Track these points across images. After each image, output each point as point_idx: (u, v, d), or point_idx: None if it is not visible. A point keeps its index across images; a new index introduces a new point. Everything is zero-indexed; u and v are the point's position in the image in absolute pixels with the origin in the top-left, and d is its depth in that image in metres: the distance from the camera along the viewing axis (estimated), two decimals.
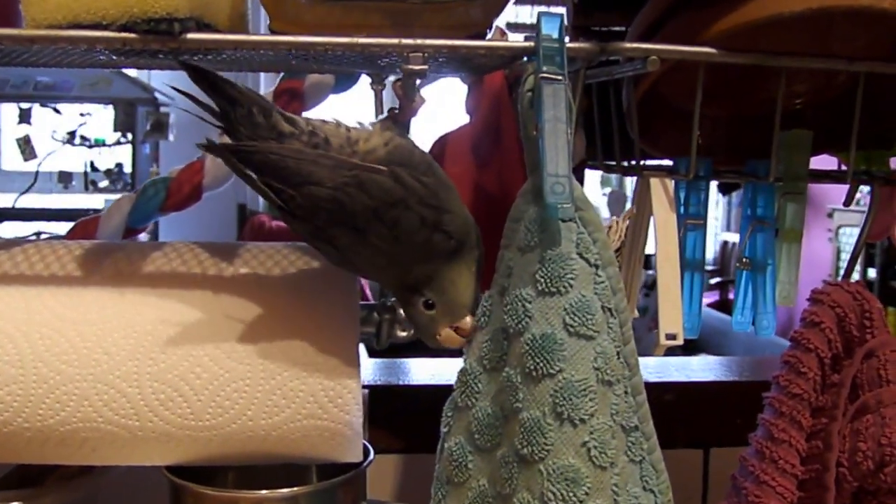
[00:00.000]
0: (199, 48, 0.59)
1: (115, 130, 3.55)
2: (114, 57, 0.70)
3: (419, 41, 0.61)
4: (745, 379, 1.05)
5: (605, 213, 5.09)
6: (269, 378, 0.68)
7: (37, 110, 3.58)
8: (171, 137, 3.63)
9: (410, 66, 0.61)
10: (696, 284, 0.71)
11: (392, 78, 0.72)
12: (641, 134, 0.75)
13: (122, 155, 3.67)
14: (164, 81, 3.83)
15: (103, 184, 3.71)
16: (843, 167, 0.82)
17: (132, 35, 0.59)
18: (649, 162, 0.78)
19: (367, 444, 0.74)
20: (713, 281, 4.81)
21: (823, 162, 0.81)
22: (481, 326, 0.63)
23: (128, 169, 3.65)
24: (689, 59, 0.65)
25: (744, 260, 0.73)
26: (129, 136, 3.57)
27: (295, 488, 0.68)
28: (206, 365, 0.68)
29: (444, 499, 0.64)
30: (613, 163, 0.78)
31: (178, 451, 0.69)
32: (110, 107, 3.55)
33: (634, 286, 0.74)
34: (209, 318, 0.69)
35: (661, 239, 0.68)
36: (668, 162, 0.77)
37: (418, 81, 0.64)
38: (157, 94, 3.60)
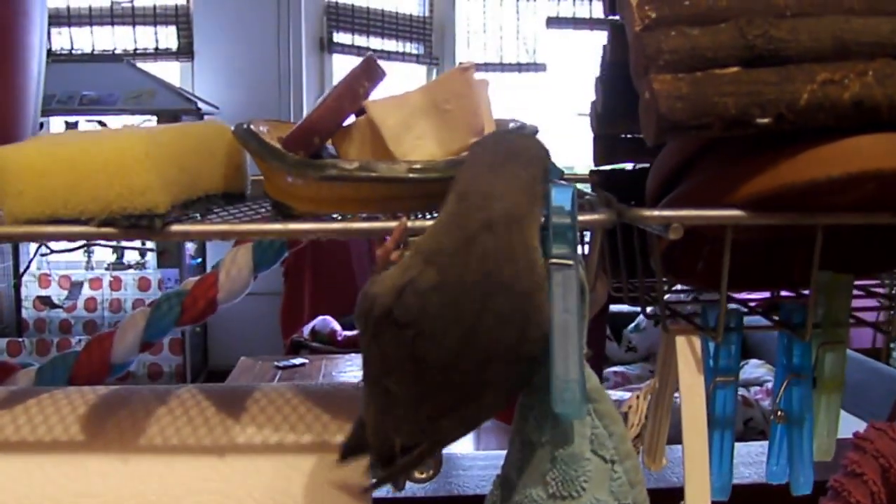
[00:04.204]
0: (185, 240, 0.56)
1: None
2: None
3: (419, 223, 0.57)
4: None
5: None
6: None
7: (83, 124, 3.60)
8: None
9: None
10: (727, 443, 0.67)
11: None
12: (668, 269, 0.70)
13: None
14: (207, 91, 3.84)
15: None
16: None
17: (113, 230, 0.55)
18: None
19: None
20: None
21: None
22: None
23: None
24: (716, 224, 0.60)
25: (779, 413, 0.68)
26: None
27: None
28: None
29: None
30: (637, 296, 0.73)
31: None
32: (154, 118, 3.56)
33: (662, 439, 0.69)
34: (213, 487, 0.66)
35: (686, 405, 0.63)
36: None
37: None
38: (200, 105, 3.60)
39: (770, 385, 3.02)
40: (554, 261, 0.55)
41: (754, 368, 3.15)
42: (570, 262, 0.55)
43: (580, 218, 0.58)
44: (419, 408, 0.54)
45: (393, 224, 0.56)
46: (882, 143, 0.57)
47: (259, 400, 0.72)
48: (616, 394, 3.05)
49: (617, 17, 0.70)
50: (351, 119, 0.63)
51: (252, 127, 0.63)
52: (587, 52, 3.95)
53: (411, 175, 0.56)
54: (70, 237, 0.56)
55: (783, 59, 0.59)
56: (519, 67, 4.25)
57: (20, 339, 3.60)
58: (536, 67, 4.26)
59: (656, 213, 0.59)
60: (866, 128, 0.57)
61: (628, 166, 0.85)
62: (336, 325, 3.59)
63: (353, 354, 3.12)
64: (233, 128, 0.62)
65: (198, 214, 0.60)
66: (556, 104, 4.18)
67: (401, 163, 0.57)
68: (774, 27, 0.59)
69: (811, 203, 0.60)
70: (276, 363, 3.10)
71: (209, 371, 3.96)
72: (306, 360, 3.11)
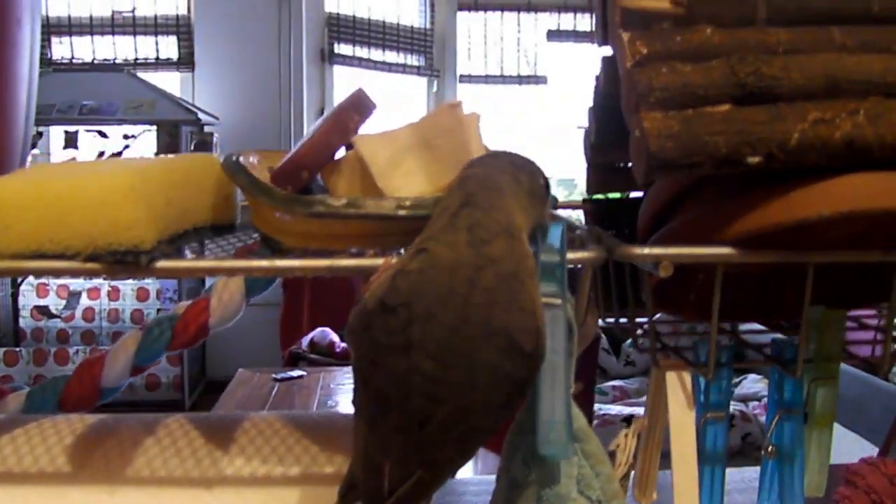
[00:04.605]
0: (171, 276, 0.55)
1: (159, 152, 3.56)
2: None
3: None
4: None
5: None
6: None
7: (82, 134, 3.61)
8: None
9: None
10: (717, 479, 0.66)
11: None
12: (659, 301, 0.70)
13: None
14: (208, 101, 3.84)
15: None
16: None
17: (98, 266, 0.55)
18: None
19: None
20: None
21: None
22: None
23: None
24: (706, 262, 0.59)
25: (770, 448, 0.67)
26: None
27: None
28: None
29: None
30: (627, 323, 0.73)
31: None
32: (154, 128, 3.56)
33: (652, 473, 0.69)
34: None
35: (676, 441, 0.62)
36: None
37: None
38: (200, 115, 3.60)
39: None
40: (542, 300, 0.55)
41: (752, 383, 3.14)
42: (559, 301, 0.55)
43: (570, 255, 0.58)
44: (411, 415, 0.50)
45: (380, 261, 0.56)
46: (873, 182, 0.56)
47: (248, 430, 0.72)
48: (615, 408, 3.04)
49: (609, 48, 0.70)
50: (343, 151, 0.63)
51: (241, 159, 0.63)
52: (588, 64, 3.95)
53: (400, 212, 0.56)
54: (55, 272, 0.56)
55: (775, 96, 0.58)
56: (519, 80, 4.25)
57: (17, 349, 3.59)
58: (537, 80, 4.25)
59: (646, 250, 0.59)
60: (857, 166, 0.57)
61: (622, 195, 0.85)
62: (335, 337, 3.58)
63: (351, 367, 3.11)
64: (222, 160, 0.62)
65: (185, 248, 0.60)
66: (556, 116, 4.18)
67: (389, 199, 0.56)
68: (766, 64, 0.59)
69: (802, 240, 0.60)
70: (273, 375, 3.09)
71: (207, 381, 3.96)
72: (304, 373, 3.11)
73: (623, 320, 0.72)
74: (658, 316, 0.75)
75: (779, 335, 0.69)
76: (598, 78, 0.75)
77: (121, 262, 0.55)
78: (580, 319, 0.63)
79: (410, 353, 0.49)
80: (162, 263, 0.56)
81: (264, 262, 0.56)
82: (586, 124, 0.80)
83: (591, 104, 0.77)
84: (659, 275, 0.58)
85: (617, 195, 0.84)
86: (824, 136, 0.56)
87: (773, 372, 0.68)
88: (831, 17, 0.64)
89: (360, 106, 0.62)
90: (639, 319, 0.72)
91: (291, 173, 0.59)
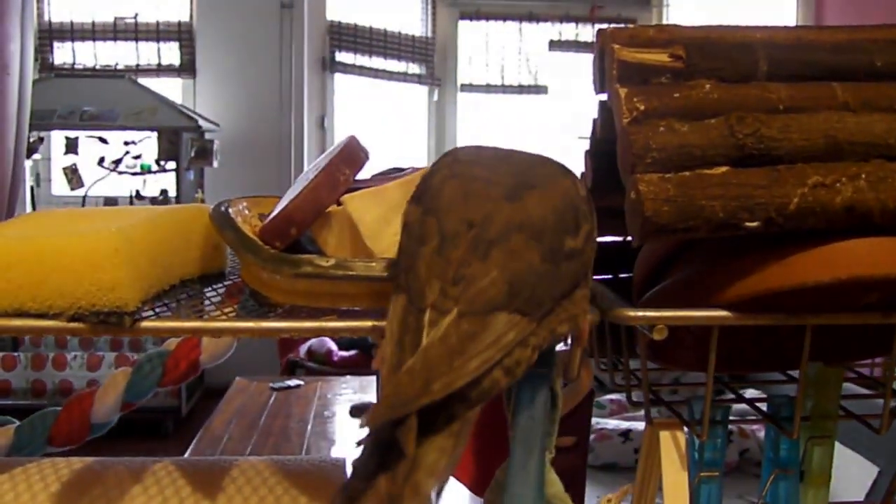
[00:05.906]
0: (155, 336, 0.54)
1: (160, 158, 3.55)
2: None
3: None
4: None
5: None
6: None
7: (83, 140, 3.60)
8: (215, 164, 3.63)
9: None
10: None
11: None
12: (654, 353, 0.69)
13: (168, 181, 3.67)
14: (208, 108, 3.83)
15: None
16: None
17: (81, 325, 0.54)
18: None
19: None
20: None
21: None
22: None
23: (173, 194, 3.64)
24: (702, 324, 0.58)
25: None
26: (174, 163, 3.57)
27: None
28: None
29: None
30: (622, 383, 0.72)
31: None
32: (155, 134, 3.55)
33: None
34: None
35: (670, 501, 0.61)
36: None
37: None
38: (200, 122, 3.59)
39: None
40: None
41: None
42: (544, 368, 0.54)
43: None
44: (465, 217, 0.50)
45: (367, 324, 0.55)
46: (873, 248, 0.55)
47: (236, 478, 0.71)
48: (612, 421, 3.03)
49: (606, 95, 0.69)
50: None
51: (231, 210, 0.62)
52: (588, 75, 3.93)
53: (388, 274, 0.55)
54: (37, 332, 0.55)
55: (774, 158, 0.57)
56: (520, 89, 4.24)
57: (16, 354, 3.58)
58: (538, 90, 4.24)
59: (640, 313, 0.58)
60: (857, 230, 0.56)
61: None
62: (332, 345, 3.58)
63: (348, 377, 3.11)
64: (211, 211, 0.61)
65: (172, 304, 0.59)
66: (556, 127, 4.17)
67: (378, 260, 0.55)
68: (766, 125, 0.58)
69: (799, 302, 0.59)
70: (271, 384, 3.08)
71: (205, 388, 3.95)
72: (301, 382, 3.10)
73: (618, 379, 0.71)
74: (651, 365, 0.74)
75: (776, 393, 0.68)
76: (594, 122, 0.74)
77: (104, 322, 0.54)
78: (573, 376, 0.61)
79: (472, 166, 0.55)
80: (146, 324, 0.55)
81: (250, 324, 0.55)
82: (583, 167, 0.78)
83: (587, 148, 0.76)
84: (653, 337, 0.57)
85: (615, 238, 0.83)
86: (824, 200, 0.55)
87: (769, 430, 0.67)
88: (833, 72, 0.63)
89: (351, 159, 0.61)
90: (632, 369, 0.71)
91: (280, 229, 0.58)
